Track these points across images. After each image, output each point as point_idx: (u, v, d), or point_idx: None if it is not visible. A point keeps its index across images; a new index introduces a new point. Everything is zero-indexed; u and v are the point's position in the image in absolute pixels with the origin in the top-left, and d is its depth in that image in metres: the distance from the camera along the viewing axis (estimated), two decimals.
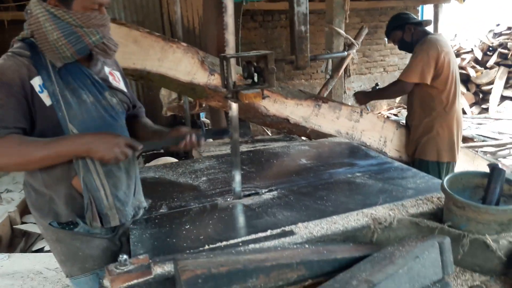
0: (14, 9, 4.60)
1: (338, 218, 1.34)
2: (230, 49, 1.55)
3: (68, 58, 1.31)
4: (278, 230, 1.30)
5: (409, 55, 2.90)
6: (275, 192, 1.77)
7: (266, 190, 1.80)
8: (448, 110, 2.75)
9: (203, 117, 4.85)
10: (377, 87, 3.37)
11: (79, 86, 1.35)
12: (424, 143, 2.83)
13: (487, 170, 1.30)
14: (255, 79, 1.63)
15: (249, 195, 1.74)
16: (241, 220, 1.54)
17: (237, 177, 1.68)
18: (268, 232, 1.29)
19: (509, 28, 7.92)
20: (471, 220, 1.19)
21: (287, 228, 1.30)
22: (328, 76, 4.09)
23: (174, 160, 3.69)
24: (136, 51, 2.21)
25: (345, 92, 4.42)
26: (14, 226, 3.62)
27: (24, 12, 1.33)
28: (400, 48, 3.02)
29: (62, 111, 1.28)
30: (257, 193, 1.76)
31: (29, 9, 1.29)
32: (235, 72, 1.58)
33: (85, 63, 1.40)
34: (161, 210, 1.62)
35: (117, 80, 1.52)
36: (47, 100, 1.27)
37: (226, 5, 1.46)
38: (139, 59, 2.23)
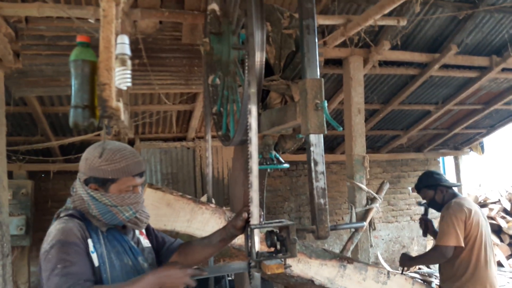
0: (61, 162, 5.08)
1: None
2: (255, 219, 1.64)
3: (108, 225, 1.47)
4: None
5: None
6: None
7: None
8: (480, 273, 2.66)
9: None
10: (423, 204, 3.27)
11: (122, 250, 1.48)
12: None
13: None
14: (278, 247, 1.70)
15: None
16: None
17: None
18: None
19: None
20: None
21: None
22: (353, 230, 4.11)
23: None
24: (168, 213, 2.36)
25: (371, 246, 4.37)
26: None
27: (70, 189, 1.53)
28: (429, 205, 3.08)
29: (107, 273, 1.40)
30: None
31: (75, 188, 1.49)
32: (259, 242, 1.64)
33: (122, 230, 1.54)
34: None
35: (145, 237, 1.65)
36: (96, 261, 1.39)
37: (251, 167, 1.60)
38: (169, 221, 2.37)
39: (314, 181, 1.79)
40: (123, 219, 1.46)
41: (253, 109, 1.63)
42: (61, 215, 1.47)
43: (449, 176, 8.94)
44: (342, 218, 7.38)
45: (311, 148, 1.77)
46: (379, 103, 5.57)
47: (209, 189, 2.73)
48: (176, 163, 5.54)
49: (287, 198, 7.00)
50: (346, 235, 6.57)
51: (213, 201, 2.81)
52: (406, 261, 3.12)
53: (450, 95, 5.52)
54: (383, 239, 7.46)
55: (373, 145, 6.93)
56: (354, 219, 4.16)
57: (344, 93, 4.35)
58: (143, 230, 1.67)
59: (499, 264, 7.39)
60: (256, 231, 1.64)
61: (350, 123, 4.21)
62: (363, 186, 4.20)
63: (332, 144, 6.77)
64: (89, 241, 1.40)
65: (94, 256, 1.39)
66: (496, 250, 7.53)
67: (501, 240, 7.59)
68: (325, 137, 6.35)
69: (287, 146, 2.68)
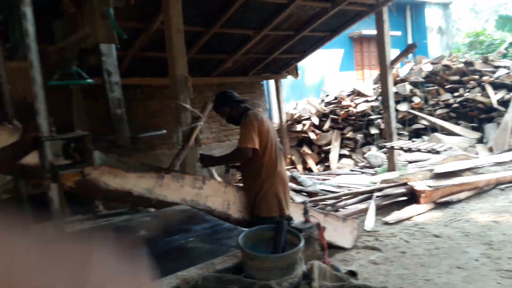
0: None
1: (154, 284, 1.45)
2: (44, 132, 1.61)
3: None
4: None
5: None
6: None
7: None
8: (273, 171, 3.18)
9: None
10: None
11: None
12: (258, 202, 3.18)
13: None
14: (77, 158, 1.72)
15: None
16: None
17: None
18: None
19: (335, 98, 9.51)
20: (260, 269, 1.42)
21: None
22: (179, 147, 4.32)
23: None
24: None
25: (198, 161, 4.71)
26: None
27: None
28: (228, 121, 3.43)
29: None
30: None
31: None
32: (52, 153, 1.63)
33: None
34: None
35: None
36: None
37: (33, 76, 1.53)
38: None
39: (109, 91, 1.82)
40: None
41: (28, 11, 1.51)
42: None
43: (272, 97, 9.97)
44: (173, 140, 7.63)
45: (103, 58, 1.77)
46: (202, 26, 5.67)
47: (8, 107, 2.49)
48: None
49: None
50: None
51: (15, 121, 2.59)
52: (207, 160, 3.45)
53: (266, 20, 5.96)
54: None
55: (202, 69, 7.13)
56: (180, 138, 4.38)
57: (163, 12, 4.28)
58: None
59: (310, 170, 8.88)
60: (48, 144, 1.62)
61: (171, 44, 4.22)
62: (187, 106, 4.38)
63: (163, 68, 6.68)
64: None
65: None
66: (308, 159, 9.00)
67: (312, 150, 9.04)
68: (153, 59, 6.22)
69: (90, 60, 2.58)
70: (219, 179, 5.13)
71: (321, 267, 1.54)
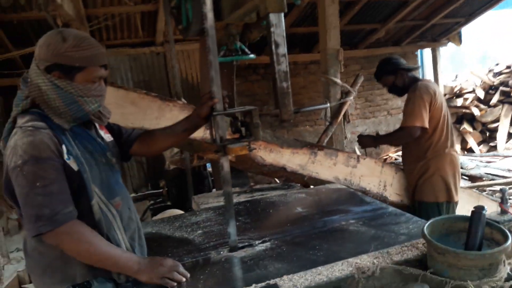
0: None
1: (323, 269, 1.35)
2: (218, 107, 1.63)
3: (71, 122, 1.39)
4: (263, 284, 1.31)
5: None
6: (268, 243, 1.78)
7: (260, 241, 1.81)
8: (441, 152, 2.79)
9: (209, 167, 4.93)
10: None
11: (93, 149, 1.45)
12: (421, 185, 2.84)
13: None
14: (243, 133, 1.71)
15: (242, 247, 1.76)
16: (231, 274, 1.55)
17: (232, 229, 1.71)
18: (253, 286, 1.30)
19: (508, 67, 8.03)
20: (452, 266, 1.19)
21: (271, 281, 1.32)
22: (327, 123, 4.19)
23: (180, 212, 3.72)
24: (134, 111, 2.33)
25: (346, 137, 4.50)
26: (22, 286, 3.63)
27: (21, 80, 1.40)
28: (390, 91, 3.10)
29: (87, 173, 1.35)
30: (251, 245, 1.78)
31: (29, 78, 1.36)
32: (224, 128, 1.65)
33: (84, 126, 1.48)
34: None
35: (106, 132, 1.60)
36: (74, 166, 1.33)
37: (211, 61, 1.55)
38: (137, 119, 2.35)
39: (276, 64, 1.75)
40: (89, 111, 1.39)
41: None
42: (21, 122, 1.33)
43: (427, 69, 8.98)
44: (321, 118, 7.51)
45: (272, 29, 1.69)
46: None
47: (177, 85, 2.68)
48: (147, 69, 5.38)
49: (265, 102, 7.00)
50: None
51: (183, 99, 2.79)
52: (368, 141, 3.13)
53: None
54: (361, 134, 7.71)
55: (350, 41, 6.78)
56: (328, 114, 4.23)
57: None
58: (105, 129, 1.62)
59: (471, 150, 7.81)
60: (220, 119, 1.64)
61: (324, 15, 4.04)
62: (337, 80, 4.17)
63: (309, 43, 6.59)
64: (63, 147, 1.31)
65: (72, 162, 1.32)
66: (468, 138, 7.91)
67: (474, 128, 7.91)
68: (301, 36, 6.19)
69: (252, 36, 2.58)
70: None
71: None
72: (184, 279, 1.41)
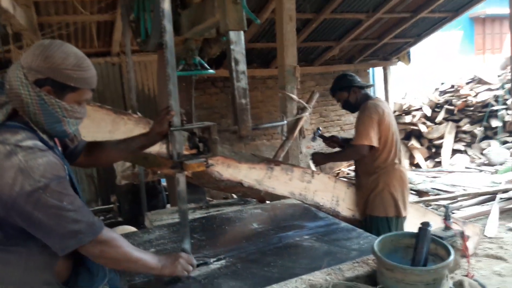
0: None
1: (277, 286, 1.36)
2: (175, 122, 1.61)
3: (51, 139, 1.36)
4: None
5: None
6: (223, 261, 1.77)
7: (215, 259, 1.79)
8: (390, 168, 2.91)
9: (164, 182, 4.83)
10: (319, 131, 3.53)
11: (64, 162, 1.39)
12: (372, 200, 2.95)
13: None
14: (201, 148, 1.71)
15: (197, 266, 1.74)
16: None
17: (186, 247, 1.68)
18: None
19: (452, 86, 8.59)
20: (400, 282, 1.24)
21: None
22: (284, 138, 4.26)
23: (132, 228, 3.61)
24: (87, 124, 2.24)
25: (301, 152, 4.60)
26: None
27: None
28: (343, 107, 3.21)
29: (80, 191, 1.39)
30: (205, 263, 1.75)
31: (7, 84, 1.25)
32: (181, 143, 1.64)
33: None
34: None
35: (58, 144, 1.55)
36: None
37: (169, 74, 1.53)
38: (89, 132, 2.27)
39: (235, 81, 1.76)
40: (69, 133, 1.36)
41: (166, 6, 1.49)
42: (14, 139, 1.19)
43: (378, 87, 9.40)
44: (277, 132, 7.63)
45: (232, 46, 1.70)
46: (312, 12, 5.49)
47: (133, 99, 2.62)
48: (102, 80, 5.23)
49: (224, 115, 7.02)
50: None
51: (138, 113, 2.73)
52: (319, 159, 3.28)
53: (380, 2, 5.56)
54: (314, 149, 7.88)
55: (306, 58, 6.98)
56: (285, 129, 4.31)
57: None
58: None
59: (418, 166, 8.21)
60: (177, 134, 1.62)
61: (281, 32, 4.13)
62: (294, 96, 4.27)
63: (267, 59, 6.71)
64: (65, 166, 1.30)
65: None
66: (416, 154, 8.32)
67: (421, 144, 8.34)
68: (259, 51, 6.27)
69: (212, 51, 2.59)
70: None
71: (472, 286, 1.31)
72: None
